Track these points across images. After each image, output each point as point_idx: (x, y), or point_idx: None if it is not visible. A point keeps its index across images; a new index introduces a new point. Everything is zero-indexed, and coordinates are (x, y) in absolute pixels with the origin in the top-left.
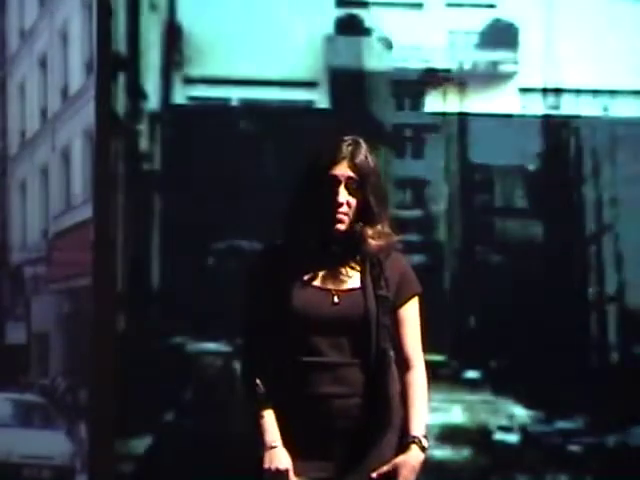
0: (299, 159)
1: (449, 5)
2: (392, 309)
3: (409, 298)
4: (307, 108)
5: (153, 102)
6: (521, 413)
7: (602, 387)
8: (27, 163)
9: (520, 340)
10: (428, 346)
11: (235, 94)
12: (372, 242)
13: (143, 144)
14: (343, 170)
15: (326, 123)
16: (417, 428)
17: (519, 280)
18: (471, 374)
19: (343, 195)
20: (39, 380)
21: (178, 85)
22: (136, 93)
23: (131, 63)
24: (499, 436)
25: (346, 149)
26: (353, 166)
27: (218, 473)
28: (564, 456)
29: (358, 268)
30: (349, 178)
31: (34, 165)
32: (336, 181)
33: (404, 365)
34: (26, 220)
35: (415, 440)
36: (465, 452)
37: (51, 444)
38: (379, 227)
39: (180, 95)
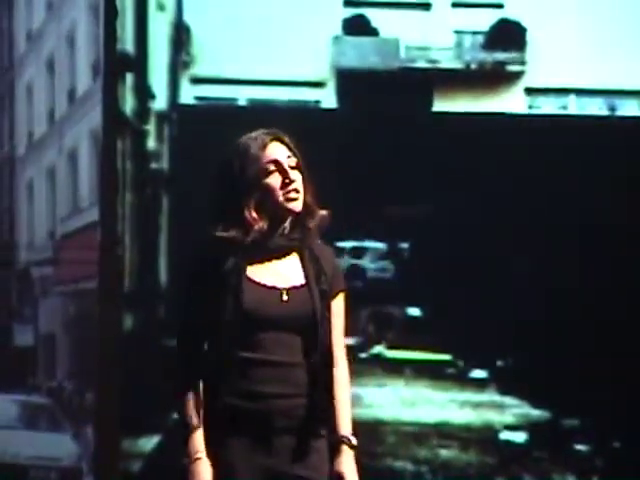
0: (306, 158)
1: (456, 5)
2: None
3: (338, 293)
4: (314, 107)
5: (161, 102)
6: (528, 412)
7: (608, 387)
8: (34, 165)
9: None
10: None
11: (242, 94)
12: (318, 213)
13: (151, 144)
14: (281, 150)
15: (333, 122)
16: (346, 427)
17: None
18: (477, 374)
19: (293, 174)
20: (46, 382)
21: (185, 85)
22: (144, 93)
23: (139, 63)
24: (505, 435)
25: (268, 136)
26: (285, 146)
27: None
28: (570, 455)
29: (297, 256)
30: (289, 157)
31: (41, 167)
32: (280, 163)
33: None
34: (33, 222)
35: (345, 440)
36: (472, 451)
37: (58, 446)
38: (312, 201)
39: (187, 95)
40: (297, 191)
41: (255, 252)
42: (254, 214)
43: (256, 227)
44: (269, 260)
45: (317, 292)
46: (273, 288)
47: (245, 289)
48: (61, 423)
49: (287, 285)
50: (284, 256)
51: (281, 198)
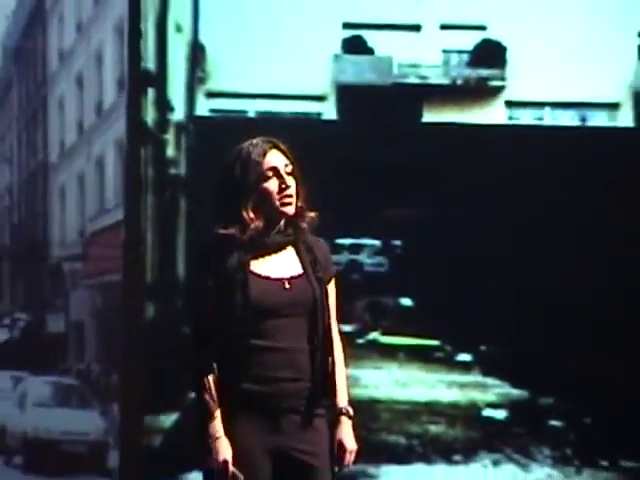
0: (309, 165)
1: (443, 27)
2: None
3: (331, 278)
4: (316, 119)
5: (179, 114)
6: (508, 392)
7: (580, 370)
8: (66, 171)
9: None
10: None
11: (252, 106)
12: (308, 215)
13: (170, 151)
14: (279, 158)
15: (333, 132)
16: (343, 398)
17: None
18: (463, 357)
19: (289, 180)
20: (76, 365)
21: (201, 99)
22: (164, 106)
23: (159, 79)
24: (488, 412)
25: (267, 143)
26: (283, 153)
27: None
28: (546, 430)
29: (294, 250)
30: (286, 164)
31: (72, 172)
32: (277, 170)
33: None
34: (65, 221)
35: (343, 411)
36: (458, 427)
37: (87, 422)
38: (303, 204)
39: (202, 108)
40: (291, 196)
41: (255, 248)
42: (251, 214)
43: (252, 226)
44: (269, 254)
45: (315, 279)
46: (275, 279)
47: (251, 282)
48: (89, 401)
49: (288, 275)
50: (281, 250)
51: (277, 202)
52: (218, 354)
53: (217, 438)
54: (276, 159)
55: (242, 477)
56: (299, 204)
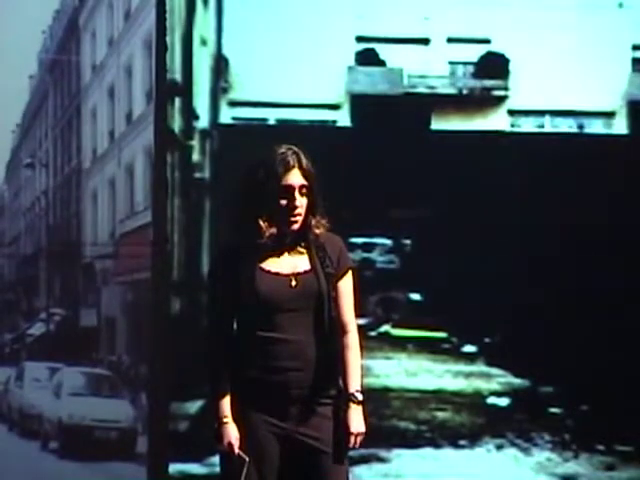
0: (324, 170)
1: (450, 41)
2: (334, 281)
3: (346, 271)
4: (331, 126)
5: (203, 122)
6: (510, 381)
7: (578, 361)
8: (97, 175)
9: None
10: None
11: (272, 115)
12: (317, 230)
13: (195, 157)
14: (297, 179)
15: (347, 138)
16: (353, 385)
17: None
18: (468, 348)
19: (299, 201)
20: (107, 356)
21: (224, 107)
22: (189, 114)
23: (185, 90)
24: (491, 400)
25: (293, 158)
26: (303, 173)
27: None
28: (546, 417)
29: (305, 252)
30: (302, 185)
31: (103, 177)
32: (292, 189)
33: (341, 330)
34: (97, 223)
35: (351, 397)
36: (463, 413)
37: (117, 410)
38: (318, 217)
39: (226, 116)
40: (299, 214)
41: (268, 249)
42: (266, 223)
43: (267, 233)
44: (280, 254)
45: (323, 275)
46: (283, 275)
47: (260, 279)
48: (120, 391)
49: (295, 272)
50: (292, 250)
51: (285, 218)
52: (230, 346)
53: (223, 423)
54: (294, 179)
55: (247, 459)
56: (311, 217)
